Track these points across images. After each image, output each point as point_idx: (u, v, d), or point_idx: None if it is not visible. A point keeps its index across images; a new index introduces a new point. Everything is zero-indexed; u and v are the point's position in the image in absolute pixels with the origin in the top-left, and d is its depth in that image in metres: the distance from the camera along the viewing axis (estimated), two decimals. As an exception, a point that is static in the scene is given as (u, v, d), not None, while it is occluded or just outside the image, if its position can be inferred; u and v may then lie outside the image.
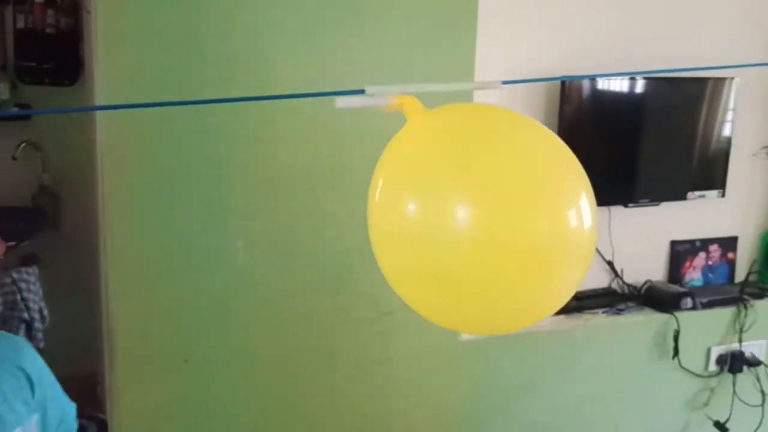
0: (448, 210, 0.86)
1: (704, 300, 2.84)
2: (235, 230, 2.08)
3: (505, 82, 1.10)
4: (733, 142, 2.92)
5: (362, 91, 0.93)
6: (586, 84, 2.59)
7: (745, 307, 2.89)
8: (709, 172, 2.91)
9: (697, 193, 2.88)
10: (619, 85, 2.68)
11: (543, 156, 0.93)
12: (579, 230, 0.88)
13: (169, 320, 2.06)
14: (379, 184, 0.94)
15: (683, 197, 2.86)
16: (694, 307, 2.81)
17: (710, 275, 3.07)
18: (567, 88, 2.54)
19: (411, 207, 0.90)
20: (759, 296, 2.98)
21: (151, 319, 2.04)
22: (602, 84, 2.65)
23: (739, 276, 3.10)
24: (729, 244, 3.09)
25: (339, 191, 2.15)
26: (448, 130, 0.93)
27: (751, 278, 3.10)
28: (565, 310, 2.67)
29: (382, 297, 2.25)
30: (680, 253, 3.00)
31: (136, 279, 2.01)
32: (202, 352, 2.10)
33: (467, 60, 2.20)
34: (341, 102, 0.94)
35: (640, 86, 2.72)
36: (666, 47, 2.75)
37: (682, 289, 2.84)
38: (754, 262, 3.09)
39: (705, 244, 3.04)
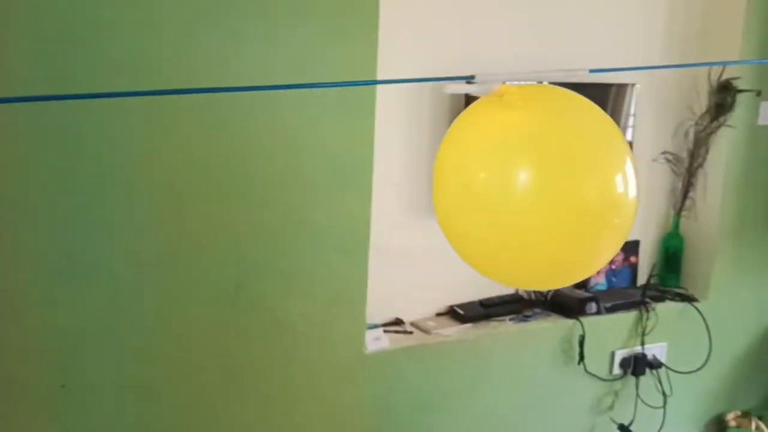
0: (518, 176, 1.03)
1: (608, 304, 2.86)
2: (119, 243, 1.92)
3: (592, 71, 1.26)
4: (633, 148, 2.96)
5: (472, 77, 1.07)
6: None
7: (647, 311, 2.93)
8: (611, 177, 2.94)
9: (601, 198, 2.90)
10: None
11: (598, 134, 1.11)
12: (624, 199, 1.06)
13: (44, 342, 1.88)
14: (458, 154, 1.10)
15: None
16: (598, 312, 2.83)
17: (614, 279, 3.11)
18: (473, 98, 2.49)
19: (487, 172, 1.06)
20: (660, 299, 3.04)
21: (23, 342, 1.85)
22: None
23: (642, 279, 3.15)
24: (631, 248, 3.13)
25: (236, 198, 2.02)
26: (525, 105, 1.07)
27: (652, 281, 3.16)
28: (472, 319, 2.63)
29: (281, 311, 2.14)
30: (585, 257, 3.01)
31: (4, 299, 1.82)
32: (82, 377, 1.93)
33: (368, 65, 2.12)
34: (451, 88, 1.16)
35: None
36: (568, 52, 2.76)
37: (586, 294, 2.86)
38: (654, 266, 3.15)
39: (608, 248, 3.07)
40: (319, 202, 2.13)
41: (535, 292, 2.86)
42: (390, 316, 2.58)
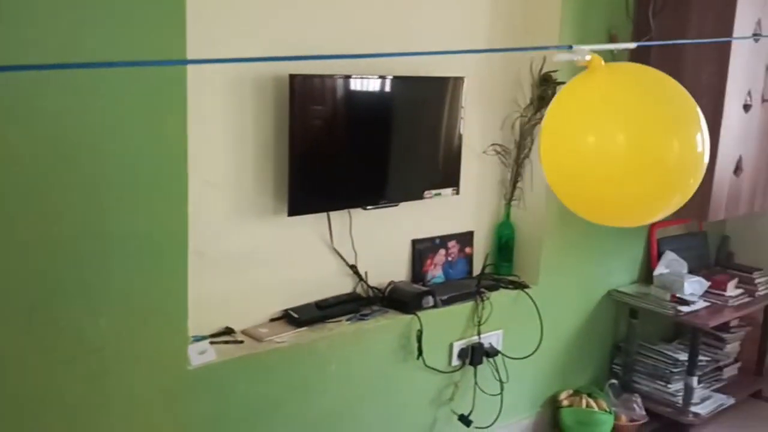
0: (613, 135, 1.31)
1: (444, 297, 2.87)
2: None
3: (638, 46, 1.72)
4: (465, 141, 2.99)
5: (570, 47, 1.33)
6: (318, 83, 2.46)
7: (482, 300, 2.97)
8: (444, 170, 2.95)
9: (434, 191, 2.90)
10: (355, 84, 2.59)
11: (676, 101, 1.37)
12: (701, 154, 1.35)
13: None
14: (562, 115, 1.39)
15: (420, 196, 2.86)
16: (435, 305, 2.83)
17: (451, 271, 3.13)
18: (299, 87, 2.38)
19: (592, 132, 1.33)
20: (494, 288, 3.09)
21: None
22: (339, 83, 2.53)
23: (478, 269, 3.20)
24: (466, 239, 3.17)
25: (22, 209, 1.78)
26: (619, 80, 1.37)
27: (488, 270, 3.21)
28: (307, 322, 2.53)
29: (88, 331, 1.92)
30: (422, 251, 3.01)
31: None
32: None
33: (177, 49, 1.95)
34: (559, 56, 1.41)
35: (376, 86, 2.65)
36: (394, 43, 2.72)
37: (423, 288, 2.85)
38: (487, 256, 3.21)
39: (444, 240, 3.09)
40: (124, 208, 1.93)
41: (372, 289, 2.81)
42: (219, 326, 2.42)
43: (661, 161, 1.31)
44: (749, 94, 3.24)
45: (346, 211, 2.68)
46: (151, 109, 1.95)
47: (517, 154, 3.21)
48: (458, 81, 2.90)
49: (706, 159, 1.37)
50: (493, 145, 3.18)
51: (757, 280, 3.79)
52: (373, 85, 2.64)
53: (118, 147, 1.91)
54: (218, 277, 2.39)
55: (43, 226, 1.81)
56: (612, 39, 3.27)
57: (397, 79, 2.69)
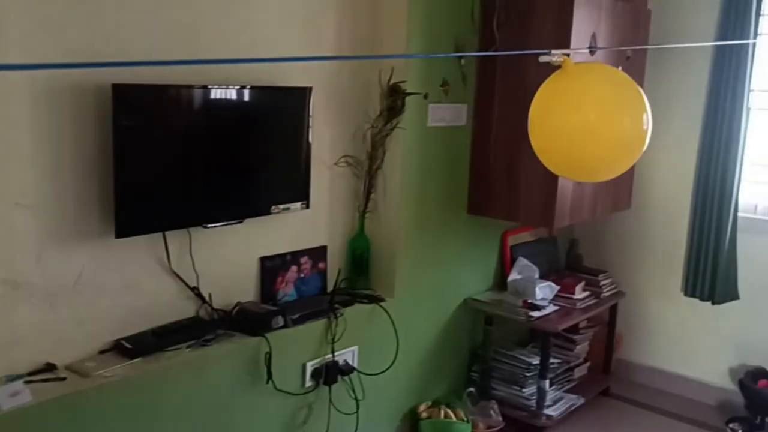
0: (587, 115, 1.73)
1: (295, 316, 2.76)
2: None
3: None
4: (314, 153, 2.90)
5: (548, 52, 1.75)
6: (146, 92, 2.28)
7: (336, 317, 2.89)
8: (292, 184, 2.84)
9: (282, 206, 2.79)
10: (190, 94, 2.42)
11: (628, 90, 1.79)
12: (645, 130, 1.77)
13: None
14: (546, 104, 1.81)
15: (267, 212, 2.74)
16: (285, 325, 2.71)
17: (303, 288, 3.02)
18: (123, 97, 2.18)
19: (566, 115, 1.76)
20: (349, 303, 3.02)
21: None
22: (171, 93, 2.36)
23: (332, 285, 3.11)
24: (319, 254, 3.08)
25: None
26: (586, 75, 1.78)
27: (342, 285, 3.13)
28: (142, 352, 2.33)
29: None
30: (271, 269, 2.88)
31: None
32: None
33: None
34: (544, 58, 1.74)
35: (215, 95, 2.50)
36: (234, 48, 2.58)
37: (271, 308, 2.72)
38: (339, 271, 3.13)
39: (296, 257, 2.98)
40: None
41: (217, 311, 2.65)
42: (39, 362, 2.18)
43: (618, 133, 1.77)
44: (588, 104, 3.36)
45: (185, 230, 2.51)
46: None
47: (369, 166, 3.15)
48: (306, 91, 2.81)
49: (649, 134, 1.80)
50: (344, 156, 3.11)
51: (602, 282, 3.97)
52: (211, 94, 2.49)
53: None
54: (37, 308, 2.15)
55: None
56: (459, 48, 3.30)
57: (238, 89, 2.55)
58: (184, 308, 2.57)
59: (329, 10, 2.93)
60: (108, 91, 2.16)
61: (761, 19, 3.62)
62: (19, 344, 2.10)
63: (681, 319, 4.05)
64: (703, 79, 3.77)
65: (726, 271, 3.77)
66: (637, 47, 3.69)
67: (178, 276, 2.52)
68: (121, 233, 2.24)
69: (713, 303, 3.83)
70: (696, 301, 3.89)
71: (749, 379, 3.66)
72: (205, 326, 2.57)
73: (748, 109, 3.65)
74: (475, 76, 3.43)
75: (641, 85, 3.78)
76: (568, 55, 1.73)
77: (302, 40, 2.85)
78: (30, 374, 2.12)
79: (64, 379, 2.14)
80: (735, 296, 3.81)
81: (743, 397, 3.67)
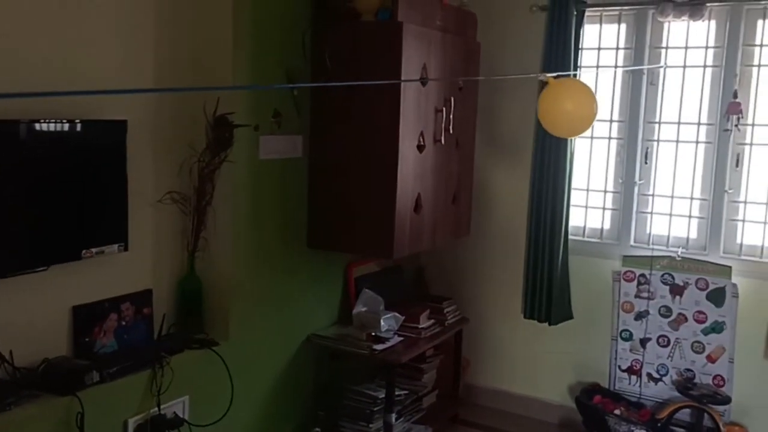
0: (568, 104, 2.68)
1: (113, 369, 2.52)
2: None
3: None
4: (133, 189, 2.70)
5: (541, 75, 2.71)
6: None
7: (162, 366, 2.67)
8: (107, 225, 2.62)
9: (95, 249, 2.55)
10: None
11: (584, 93, 2.71)
12: (595, 112, 2.72)
13: None
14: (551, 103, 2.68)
15: (78, 257, 2.50)
16: (102, 380, 2.47)
17: (126, 337, 2.78)
18: None
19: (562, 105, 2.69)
20: (178, 350, 2.81)
21: None
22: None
23: (159, 331, 2.89)
24: (143, 299, 2.85)
25: None
26: (563, 85, 2.71)
27: (172, 330, 2.93)
28: None
29: None
30: (86, 319, 2.63)
31: None
32: None
33: None
34: (542, 77, 2.65)
35: (15, 130, 2.25)
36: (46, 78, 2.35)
37: (83, 363, 2.47)
38: (164, 316, 2.92)
39: (115, 303, 2.74)
40: None
41: (20, 370, 2.37)
42: None
43: (583, 113, 2.68)
44: (422, 135, 3.39)
45: (-23, 281, 2.22)
46: None
47: (197, 202, 2.98)
48: (120, 124, 2.61)
49: (597, 114, 2.70)
50: (169, 192, 2.92)
51: (446, 309, 4.00)
52: (12, 129, 2.24)
53: None
54: None
55: None
56: (291, 78, 3.22)
57: (43, 123, 2.32)
58: None
59: (147, 37, 2.76)
60: None
61: (580, 52, 3.84)
62: None
63: (522, 341, 4.16)
64: (531, 108, 3.93)
65: (560, 293, 3.92)
66: (467, 77, 3.78)
67: (-25, 333, 2.23)
68: None
69: (550, 324, 3.96)
70: (535, 323, 4.01)
71: (585, 395, 3.80)
72: (4, 389, 2.27)
73: (573, 138, 3.84)
74: (308, 107, 3.36)
75: (474, 113, 3.89)
76: (555, 76, 2.65)
77: (120, 68, 2.66)
78: None
79: None
80: (569, 316, 3.97)
81: (580, 413, 3.80)
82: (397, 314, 3.65)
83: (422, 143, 3.40)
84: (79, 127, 2.47)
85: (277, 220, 3.27)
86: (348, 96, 3.25)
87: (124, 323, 2.76)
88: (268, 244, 3.22)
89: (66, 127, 2.43)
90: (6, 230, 2.27)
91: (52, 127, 2.38)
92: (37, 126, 2.33)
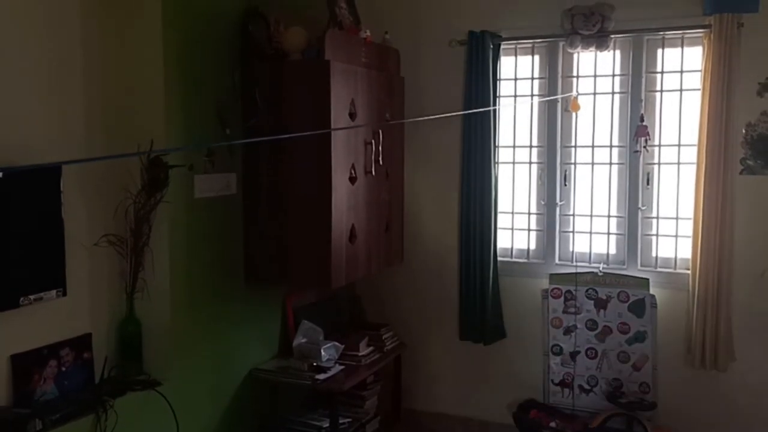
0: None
1: (55, 416, 2.50)
2: None
3: None
4: (69, 234, 2.69)
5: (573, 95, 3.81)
6: None
7: (105, 410, 2.66)
8: (44, 271, 2.61)
9: (32, 296, 2.54)
10: None
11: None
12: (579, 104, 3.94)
13: None
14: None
15: (16, 304, 2.48)
16: (45, 429, 2.44)
17: (66, 383, 2.75)
18: None
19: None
20: (121, 392, 2.80)
21: None
22: None
23: (100, 375, 2.87)
24: (82, 343, 2.83)
25: None
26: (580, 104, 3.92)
27: (112, 374, 2.91)
28: None
29: None
30: (25, 366, 2.60)
31: None
32: None
33: None
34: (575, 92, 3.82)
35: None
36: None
37: (24, 411, 2.44)
38: (106, 359, 2.90)
39: (54, 349, 2.71)
40: None
41: (-42, 424, 2.33)
42: None
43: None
44: (353, 167, 3.50)
45: None
46: None
47: (134, 243, 2.99)
48: (53, 171, 2.61)
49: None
50: (105, 235, 2.93)
51: (384, 336, 4.09)
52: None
53: None
54: None
55: None
56: (222, 118, 3.29)
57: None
58: None
59: (75, 77, 2.79)
60: None
61: (499, 83, 4.05)
62: None
63: (459, 363, 4.28)
64: (456, 137, 4.11)
65: (492, 313, 4.07)
66: (396, 120, 3.93)
67: None
68: None
69: (485, 344, 4.10)
70: (470, 343, 4.15)
71: (521, 411, 3.95)
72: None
73: (497, 163, 4.04)
74: (240, 145, 3.43)
75: (402, 144, 4.03)
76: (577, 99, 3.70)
77: (47, 111, 2.67)
78: None
79: None
80: (503, 335, 4.12)
81: (519, 429, 3.94)
82: (336, 343, 3.72)
83: (354, 175, 3.51)
84: (13, 174, 2.47)
85: (215, 257, 3.30)
86: (279, 132, 3.34)
87: (64, 369, 2.73)
88: (206, 282, 3.25)
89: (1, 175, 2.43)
90: (-60, 282, 2.24)
91: (-16, 175, 2.37)
92: (-30, 175, 2.32)
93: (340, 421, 3.58)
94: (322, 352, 3.59)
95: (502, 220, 4.16)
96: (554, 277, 4.00)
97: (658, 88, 3.85)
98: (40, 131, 2.66)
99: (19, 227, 2.51)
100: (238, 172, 3.43)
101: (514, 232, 4.21)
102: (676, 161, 3.84)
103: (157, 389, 2.89)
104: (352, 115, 3.48)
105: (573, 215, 4.07)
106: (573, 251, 4.07)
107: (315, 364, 3.56)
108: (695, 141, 3.70)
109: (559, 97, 4.00)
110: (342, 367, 3.67)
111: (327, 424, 3.55)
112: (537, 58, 4.09)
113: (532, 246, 4.18)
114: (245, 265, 3.49)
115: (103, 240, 2.91)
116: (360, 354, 3.82)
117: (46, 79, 2.68)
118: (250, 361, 3.56)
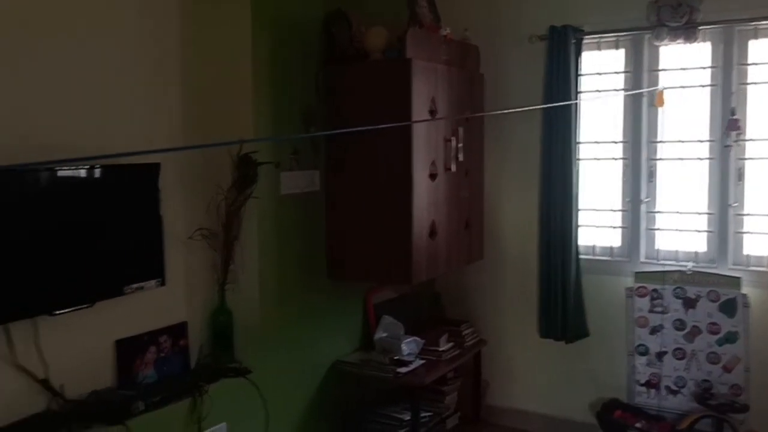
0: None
1: (157, 398, 2.65)
2: None
3: None
4: (167, 228, 2.85)
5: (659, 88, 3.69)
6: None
7: (201, 395, 2.80)
8: (145, 262, 2.77)
9: (135, 285, 2.71)
10: (29, 177, 2.33)
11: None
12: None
13: None
14: None
15: (120, 292, 2.65)
16: (147, 409, 2.60)
17: (165, 368, 2.92)
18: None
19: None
20: (214, 379, 2.94)
21: None
22: (7, 174, 2.26)
23: (195, 362, 3.02)
24: (179, 331, 2.99)
25: None
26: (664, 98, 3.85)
27: (206, 361, 3.06)
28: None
29: None
30: (128, 351, 2.77)
31: None
32: None
33: None
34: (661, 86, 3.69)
35: (58, 176, 2.42)
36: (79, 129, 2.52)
37: (129, 393, 2.60)
38: (201, 346, 3.05)
39: (154, 336, 2.88)
40: None
41: (71, 402, 2.50)
42: None
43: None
44: (434, 164, 3.55)
45: (29, 320, 2.37)
46: None
47: (225, 237, 3.13)
48: (153, 168, 2.78)
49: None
50: (199, 229, 3.08)
51: (464, 332, 4.11)
52: (55, 175, 2.41)
53: None
54: None
55: None
56: (306, 119, 3.40)
57: (83, 169, 2.49)
58: (33, 403, 2.41)
59: (173, 86, 2.95)
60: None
61: (580, 78, 4.01)
62: None
63: (540, 360, 4.26)
64: (536, 134, 4.09)
65: (575, 311, 4.03)
66: (476, 114, 3.96)
67: (24, 369, 2.37)
68: (-47, 329, 2.09)
69: (567, 342, 4.06)
70: (551, 341, 4.12)
71: (605, 411, 3.89)
72: (57, 421, 2.41)
73: (578, 160, 4.00)
74: (324, 143, 3.53)
75: (482, 141, 4.05)
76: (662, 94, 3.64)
77: (148, 117, 2.84)
78: None
79: None
80: (585, 334, 4.07)
81: (602, 429, 3.88)
82: (417, 338, 3.77)
83: (434, 172, 3.56)
84: (118, 172, 2.64)
85: (299, 251, 3.42)
86: (364, 133, 3.41)
87: (162, 355, 2.90)
88: (291, 275, 3.36)
89: (106, 173, 2.60)
90: (52, 271, 2.42)
91: (96, 173, 2.55)
92: (81, 172, 2.50)
93: (422, 415, 3.63)
94: (403, 347, 3.65)
95: (585, 218, 4.11)
96: (640, 276, 3.93)
97: (750, 80, 3.73)
98: (142, 130, 2.82)
99: (124, 222, 2.68)
100: (321, 169, 3.54)
101: (598, 229, 4.16)
102: (769, 156, 3.71)
103: (247, 377, 3.02)
104: (433, 113, 3.53)
105: (657, 212, 3.99)
106: (658, 249, 3.98)
107: (396, 357, 3.62)
108: (790, 134, 3.56)
109: (644, 90, 3.92)
110: (423, 361, 3.71)
111: (408, 417, 3.60)
112: (621, 52, 4.02)
113: (617, 243, 4.11)
114: (327, 261, 3.59)
115: (197, 234, 3.06)
116: (440, 349, 3.86)
117: (149, 93, 2.85)
118: (333, 353, 3.66)
